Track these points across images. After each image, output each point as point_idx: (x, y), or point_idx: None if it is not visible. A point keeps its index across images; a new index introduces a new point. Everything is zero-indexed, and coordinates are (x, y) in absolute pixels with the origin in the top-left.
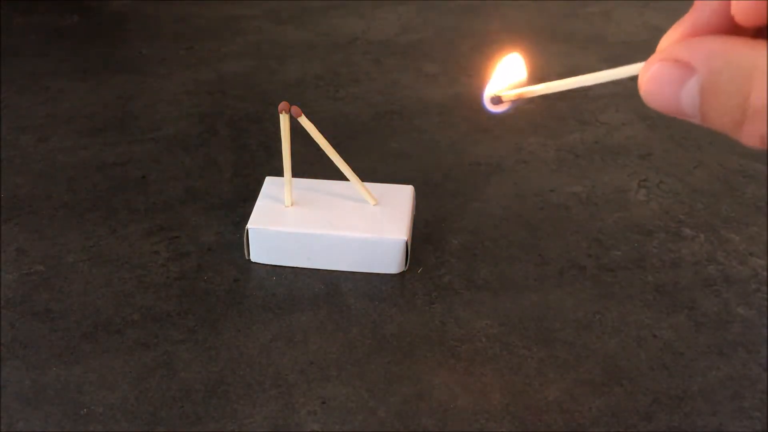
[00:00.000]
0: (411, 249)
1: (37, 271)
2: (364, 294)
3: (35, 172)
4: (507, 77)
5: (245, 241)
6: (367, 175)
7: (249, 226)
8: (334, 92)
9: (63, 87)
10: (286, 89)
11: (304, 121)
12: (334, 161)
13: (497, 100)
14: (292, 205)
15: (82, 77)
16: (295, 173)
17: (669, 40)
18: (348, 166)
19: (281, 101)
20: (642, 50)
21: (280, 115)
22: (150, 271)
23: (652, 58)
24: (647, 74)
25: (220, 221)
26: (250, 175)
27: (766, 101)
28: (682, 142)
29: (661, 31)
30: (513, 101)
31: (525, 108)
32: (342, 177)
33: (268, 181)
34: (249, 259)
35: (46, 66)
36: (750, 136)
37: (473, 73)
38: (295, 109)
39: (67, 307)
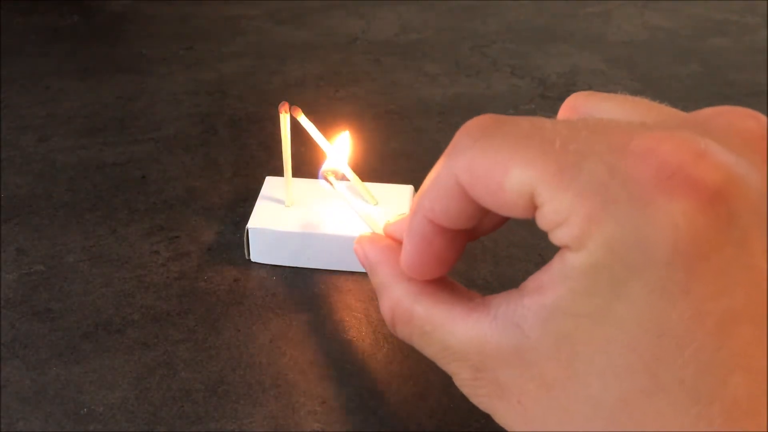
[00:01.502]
0: None
1: (37, 271)
2: (364, 294)
3: (35, 172)
4: (334, 159)
5: (245, 241)
6: (367, 175)
7: (249, 226)
8: (334, 92)
9: (63, 87)
10: (286, 89)
11: (304, 121)
12: (339, 166)
13: (324, 177)
14: (292, 205)
15: (82, 77)
16: (295, 173)
17: (388, 227)
18: (348, 166)
19: (281, 101)
20: (642, 50)
21: (280, 115)
22: (150, 271)
23: (369, 236)
24: (355, 243)
25: (220, 221)
26: (250, 175)
27: (384, 313)
28: None
29: (661, 31)
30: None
31: (525, 108)
32: (343, 177)
33: (268, 181)
34: (249, 259)
35: (46, 66)
36: None
37: (473, 73)
38: (294, 108)
39: (67, 307)
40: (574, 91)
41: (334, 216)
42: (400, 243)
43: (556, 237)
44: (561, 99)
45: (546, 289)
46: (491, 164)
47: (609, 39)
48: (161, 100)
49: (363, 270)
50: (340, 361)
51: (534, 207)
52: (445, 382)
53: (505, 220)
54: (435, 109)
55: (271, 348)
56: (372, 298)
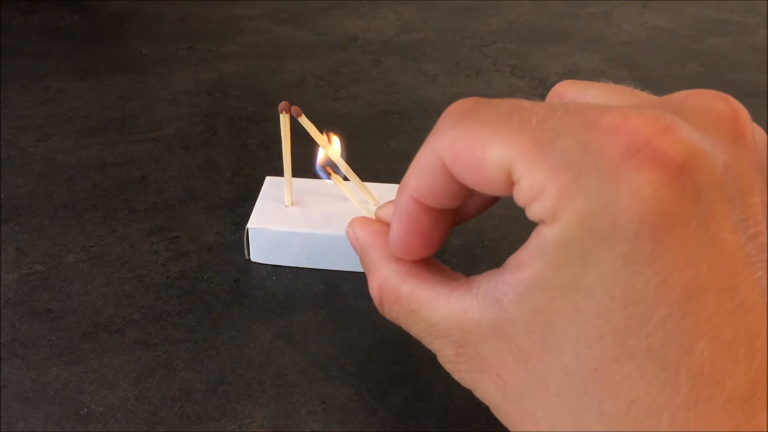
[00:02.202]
0: None
1: (37, 271)
2: (364, 294)
3: (35, 172)
4: (329, 153)
5: (245, 241)
6: (367, 175)
7: (249, 226)
8: (334, 92)
9: (63, 87)
10: (286, 89)
11: (304, 121)
12: (335, 161)
13: (323, 169)
14: (292, 205)
15: (82, 77)
16: (295, 173)
17: (378, 211)
18: (348, 166)
19: (281, 101)
20: (642, 50)
21: (280, 115)
22: (150, 271)
23: (360, 220)
24: (348, 226)
25: (220, 221)
26: (250, 175)
27: (373, 293)
28: None
29: (661, 31)
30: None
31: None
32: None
33: (268, 181)
34: (249, 259)
35: (46, 66)
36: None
37: (473, 73)
38: (295, 109)
39: (67, 307)
40: None
41: (335, 216)
42: (388, 225)
43: (532, 212)
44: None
45: (524, 265)
46: (472, 142)
47: (609, 39)
48: (161, 100)
49: (362, 270)
50: (340, 361)
51: (512, 183)
52: (445, 381)
53: (490, 204)
54: (435, 109)
55: (271, 348)
56: (371, 297)
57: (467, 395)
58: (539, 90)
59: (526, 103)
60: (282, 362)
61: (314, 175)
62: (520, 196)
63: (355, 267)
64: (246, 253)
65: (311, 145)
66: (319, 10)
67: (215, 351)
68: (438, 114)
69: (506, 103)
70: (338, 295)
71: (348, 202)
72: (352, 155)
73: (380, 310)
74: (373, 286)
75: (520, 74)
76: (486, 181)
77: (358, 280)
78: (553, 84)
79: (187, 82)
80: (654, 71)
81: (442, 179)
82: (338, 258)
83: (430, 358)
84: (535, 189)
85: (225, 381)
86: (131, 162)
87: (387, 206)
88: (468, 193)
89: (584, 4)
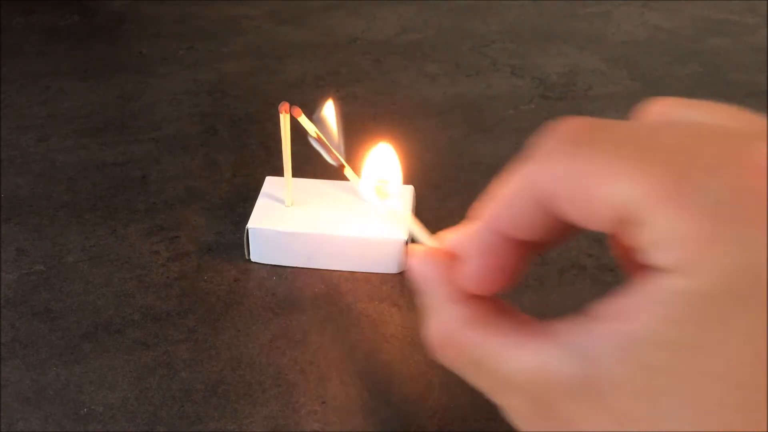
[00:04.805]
0: None
1: (37, 271)
2: (364, 294)
3: (35, 172)
4: (378, 173)
5: (245, 241)
6: None
7: (249, 226)
8: (334, 92)
9: (63, 87)
10: (286, 89)
11: (304, 121)
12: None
13: (378, 193)
14: (292, 205)
15: (82, 77)
16: (295, 173)
17: (445, 239)
18: (348, 166)
19: (281, 101)
20: (642, 50)
21: (280, 115)
22: (150, 271)
23: (424, 251)
24: (408, 257)
25: (220, 221)
26: (250, 175)
27: (430, 337)
28: None
29: (661, 31)
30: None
31: (525, 108)
32: (342, 177)
33: (268, 181)
34: (249, 259)
35: (46, 66)
36: None
37: (473, 73)
38: (295, 109)
39: (67, 307)
40: (574, 91)
41: (335, 216)
42: (455, 258)
43: (655, 257)
44: (561, 99)
45: (630, 316)
46: (582, 174)
47: (609, 39)
48: (161, 100)
49: (362, 270)
50: (340, 361)
51: (626, 222)
52: (445, 381)
53: (578, 232)
54: (435, 109)
55: (271, 348)
56: (371, 298)
57: (467, 395)
58: (539, 90)
59: (645, 127)
60: (282, 362)
61: (314, 174)
62: (641, 238)
63: (355, 267)
64: (246, 253)
65: (311, 145)
66: (319, 10)
67: (215, 351)
68: (438, 114)
69: (624, 127)
70: (338, 295)
71: (347, 201)
72: (351, 155)
73: (434, 356)
74: (432, 330)
75: (520, 74)
76: (593, 217)
77: (358, 280)
78: (554, 84)
79: (187, 82)
80: (654, 71)
81: (536, 211)
82: (338, 258)
83: (430, 357)
84: (668, 234)
85: (225, 381)
86: (131, 162)
87: (456, 234)
88: (561, 223)
89: (584, 4)
